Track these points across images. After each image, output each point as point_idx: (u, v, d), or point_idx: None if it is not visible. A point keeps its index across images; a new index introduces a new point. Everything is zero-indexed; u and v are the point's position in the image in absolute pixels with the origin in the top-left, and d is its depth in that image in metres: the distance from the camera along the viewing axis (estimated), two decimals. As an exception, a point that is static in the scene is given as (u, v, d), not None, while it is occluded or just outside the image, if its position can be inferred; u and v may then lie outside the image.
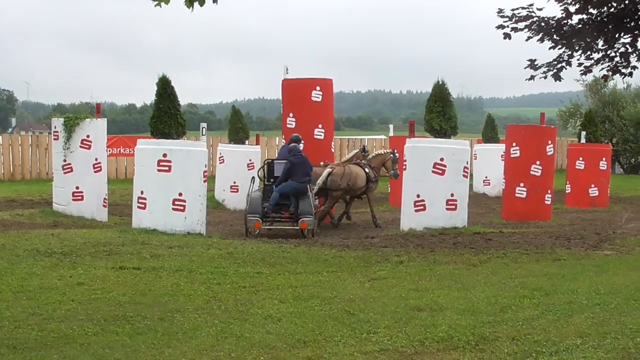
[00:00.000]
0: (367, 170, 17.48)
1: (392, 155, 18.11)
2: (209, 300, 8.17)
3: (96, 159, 16.51)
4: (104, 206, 16.84)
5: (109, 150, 24.12)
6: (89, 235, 12.90)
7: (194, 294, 8.42)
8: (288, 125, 18.13)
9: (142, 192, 14.06)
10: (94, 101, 23.18)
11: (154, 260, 10.58)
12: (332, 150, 18.95)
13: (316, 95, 17.97)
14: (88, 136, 16.34)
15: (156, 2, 6.39)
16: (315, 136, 17.95)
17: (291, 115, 18.05)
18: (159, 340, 6.50)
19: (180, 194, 13.77)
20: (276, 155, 19.82)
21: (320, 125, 17.99)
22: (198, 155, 14.22)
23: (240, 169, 22.04)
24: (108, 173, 19.07)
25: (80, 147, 16.28)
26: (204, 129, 15.78)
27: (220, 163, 22.78)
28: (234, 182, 22.04)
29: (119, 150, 31.08)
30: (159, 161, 13.81)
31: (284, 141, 18.43)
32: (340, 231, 16.01)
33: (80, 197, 16.33)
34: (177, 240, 12.52)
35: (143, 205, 14.02)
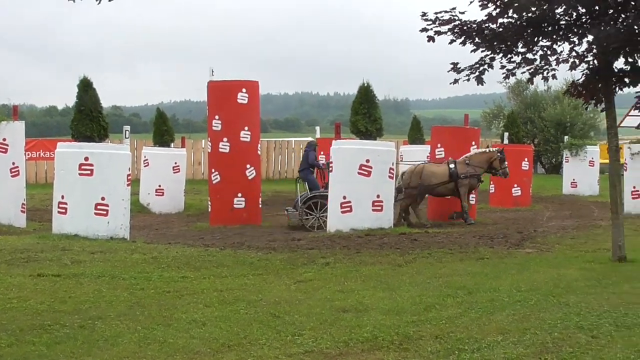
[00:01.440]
0: (451, 167, 17.83)
1: (499, 154, 18.47)
2: (132, 306, 8.06)
3: (13, 163, 16.08)
4: (22, 212, 16.40)
5: (28, 154, 23.65)
6: (5, 242, 12.59)
7: (116, 300, 8.29)
8: (214, 128, 18.03)
9: (62, 197, 13.78)
10: (11, 103, 22.72)
11: (74, 266, 10.36)
12: (259, 152, 18.92)
13: (242, 98, 17.90)
14: (4, 139, 15.91)
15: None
16: (242, 138, 17.89)
17: (217, 117, 17.96)
18: (78, 348, 6.36)
19: (102, 198, 13.56)
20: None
21: (246, 128, 17.93)
22: (121, 159, 14.04)
23: (166, 172, 21.90)
24: (27, 177, 18.72)
25: (-4, 150, 15.89)
26: (127, 132, 15.60)
27: (145, 166, 22.57)
28: (159, 186, 21.89)
29: (39, 154, 30.51)
30: (81, 165, 13.58)
31: (210, 144, 18.36)
32: (267, 234, 15.99)
33: (-4, 203, 15.91)
34: (99, 246, 12.32)
35: (64, 210, 13.75)
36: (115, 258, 11.13)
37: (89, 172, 13.59)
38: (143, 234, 16.05)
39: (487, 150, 19.07)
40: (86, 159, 13.62)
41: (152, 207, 21.90)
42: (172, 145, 23.37)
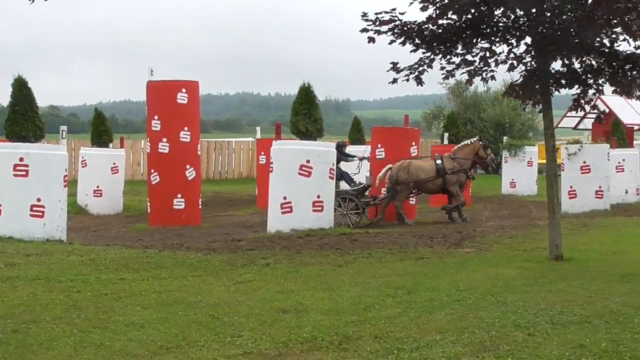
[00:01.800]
0: (438, 162, 18.13)
1: (480, 142, 19.03)
2: (68, 309, 7.91)
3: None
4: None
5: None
6: None
7: (52, 303, 8.14)
8: (153, 128, 17.84)
9: (-4, 198, 13.51)
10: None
11: (8, 269, 10.12)
12: (199, 153, 18.79)
13: (182, 98, 17.75)
14: None
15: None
16: (181, 139, 17.74)
17: (156, 117, 17.77)
18: (11, 354, 6.22)
19: (38, 200, 13.32)
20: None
21: (186, 128, 17.79)
22: (57, 159, 13.80)
23: (104, 172, 21.63)
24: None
25: None
26: (64, 132, 15.39)
27: (82, 167, 22.23)
28: (98, 187, 21.61)
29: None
30: (15, 165, 13.31)
31: (149, 144, 18.18)
32: (207, 235, 15.87)
33: None
34: (35, 248, 12.09)
35: (-2, 211, 13.48)
36: (51, 260, 10.93)
37: (24, 172, 13.33)
38: (80, 235, 15.81)
39: (469, 142, 19.23)
40: (21, 159, 13.36)
41: (90, 209, 21.59)
42: (110, 145, 23.08)
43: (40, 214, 13.36)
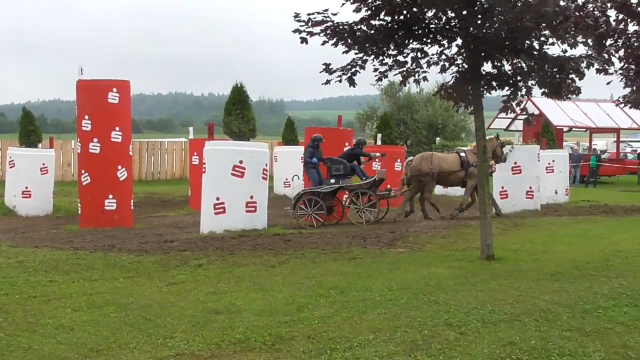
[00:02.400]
0: (462, 155, 18.78)
1: (498, 141, 19.53)
2: (-5, 312, 7.79)
3: None
4: None
5: None
6: None
7: (-22, 306, 8.00)
8: (83, 128, 17.56)
9: None
10: None
11: None
12: (130, 153, 18.56)
13: (113, 97, 17.51)
14: None
15: None
16: (113, 139, 17.49)
17: (87, 117, 17.49)
18: (-64, 357, 6.11)
19: (-36, 201, 13.05)
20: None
21: (117, 128, 17.55)
22: (-16, 159, 13.54)
23: (33, 173, 21.22)
24: None
25: None
26: (-10, 132, 15.06)
27: (10, 167, 21.79)
28: (26, 187, 21.17)
29: None
30: (-60, 166, 13.03)
31: (80, 144, 17.90)
32: (139, 236, 15.69)
33: None
34: (-40, 250, 11.86)
35: None
36: (-23, 263, 10.72)
37: (-51, 173, 13.03)
38: (8, 237, 15.48)
39: (487, 138, 19.72)
40: (-54, 159, 13.06)
41: (19, 210, 21.16)
42: (39, 145, 22.66)
43: (-34, 215, 13.07)
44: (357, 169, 18.79)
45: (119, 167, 17.59)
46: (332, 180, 18.45)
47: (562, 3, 10.07)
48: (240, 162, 15.03)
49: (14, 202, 21.39)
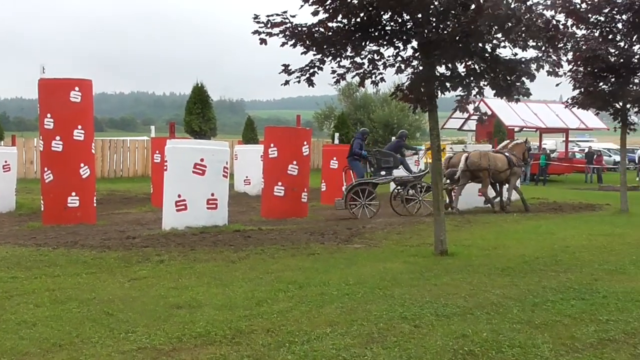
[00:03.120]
0: (507, 154, 19.89)
1: (527, 145, 21.09)
2: (-43, 307, 7.67)
3: None
4: None
5: None
6: None
7: (-61, 302, 7.86)
8: (46, 126, 17.34)
9: None
10: None
11: None
12: (93, 151, 18.38)
13: (75, 96, 17.32)
14: None
15: None
16: (75, 137, 17.29)
17: (49, 115, 17.28)
18: None
19: None
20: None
21: (79, 126, 17.36)
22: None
23: (-5, 171, 20.96)
24: None
25: None
26: (-48, 130, 14.83)
27: (-28, 165, 21.48)
28: (-12, 185, 20.91)
29: None
30: None
31: (42, 142, 17.68)
32: (102, 232, 15.55)
33: None
34: None
35: None
36: (-61, 259, 10.54)
37: None
38: (-29, 234, 15.27)
39: (519, 141, 21.53)
40: None
41: (-19, 207, 20.89)
42: (1, 143, 22.38)
43: None
44: (405, 161, 19.99)
45: (82, 164, 17.41)
46: (383, 172, 19.25)
47: (512, 6, 10.18)
48: (202, 160, 14.97)
49: (-23, 200, 21.09)
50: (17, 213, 20.83)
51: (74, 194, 17.22)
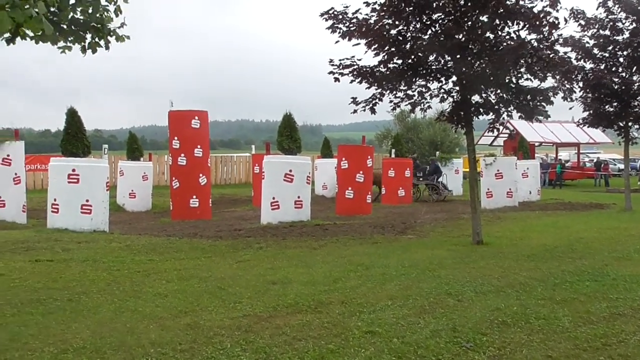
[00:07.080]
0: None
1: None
2: (110, 283, 7.80)
3: (16, 174, 15.42)
4: (23, 211, 15.73)
5: (28, 167, 22.86)
6: (9, 235, 12.08)
7: (97, 279, 8.02)
8: (174, 146, 17.71)
9: (55, 199, 13.33)
10: (13, 127, 21.92)
11: (65, 253, 10.00)
12: (208, 164, 18.64)
13: (195, 123, 17.64)
14: (8, 155, 15.23)
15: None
16: (195, 154, 17.62)
17: (176, 138, 17.64)
18: (67, 317, 6.13)
19: (87, 200, 13.15)
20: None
21: (199, 146, 17.68)
22: (101, 170, 13.64)
23: (136, 180, 21.49)
24: (27, 184, 18.04)
25: (2, 164, 15.26)
26: (105, 149, 15.24)
27: (120, 176, 22.01)
28: (132, 190, 21.54)
29: (36, 166, 29.47)
30: (69, 175, 13.16)
31: (171, 158, 18.02)
32: (215, 226, 15.72)
33: (2, 205, 15.26)
34: (84, 237, 11.92)
35: (56, 210, 13.30)
36: (97, 246, 10.80)
37: (75, 180, 13.18)
38: (119, 227, 15.55)
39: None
40: (73, 170, 13.20)
41: (126, 207, 21.36)
42: (141, 159, 22.86)
43: (88, 211, 13.19)
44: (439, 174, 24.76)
45: (200, 175, 17.72)
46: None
47: (534, 45, 9.98)
48: (290, 171, 15.06)
49: (123, 201, 21.61)
50: (152, 212, 21.26)
51: (194, 197, 17.55)
